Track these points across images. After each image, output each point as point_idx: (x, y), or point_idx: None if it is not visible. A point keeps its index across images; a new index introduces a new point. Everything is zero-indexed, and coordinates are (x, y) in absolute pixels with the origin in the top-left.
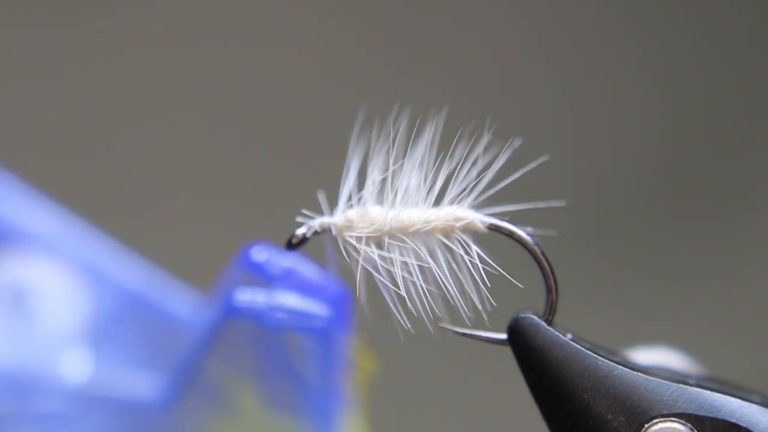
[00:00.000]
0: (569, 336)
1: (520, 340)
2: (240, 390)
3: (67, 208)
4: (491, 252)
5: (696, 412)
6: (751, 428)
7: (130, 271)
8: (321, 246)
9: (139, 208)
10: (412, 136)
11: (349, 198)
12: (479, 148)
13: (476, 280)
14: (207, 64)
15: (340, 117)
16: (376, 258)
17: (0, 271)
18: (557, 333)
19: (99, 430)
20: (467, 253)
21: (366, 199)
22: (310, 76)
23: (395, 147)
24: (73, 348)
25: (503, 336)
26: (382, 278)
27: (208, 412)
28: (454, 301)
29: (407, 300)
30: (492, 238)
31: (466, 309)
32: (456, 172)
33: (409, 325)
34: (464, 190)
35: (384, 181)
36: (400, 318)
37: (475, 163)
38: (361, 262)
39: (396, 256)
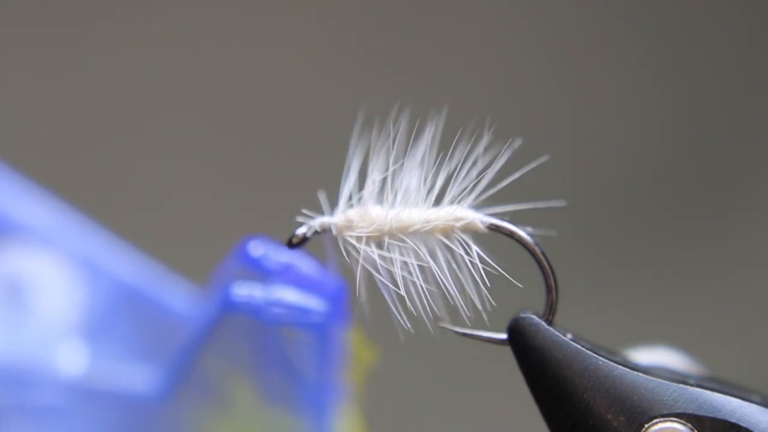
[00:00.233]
0: (569, 336)
1: (520, 340)
2: (236, 384)
3: (64, 202)
4: (491, 252)
5: (696, 412)
6: (751, 428)
7: (126, 265)
8: (321, 246)
9: (139, 207)
10: (412, 136)
11: (350, 198)
12: (479, 148)
13: (476, 280)
14: (207, 64)
15: (340, 117)
16: (376, 258)
17: None
18: (557, 333)
19: (94, 423)
20: (467, 253)
21: (366, 199)
22: (310, 76)
23: (395, 147)
24: (69, 341)
25: (503, 336)
26: (382, 278)
27: (204, 406)
28: (454, 301)
29: (407, 300)
30: (492, 238)
31: (466, 309)
32: (456, 172)
33: (409, 325)
34: (464, 190)
35: (384, 181)
36: (400, 318)
37: (475, 163)
38: (361, 261)
39: (396, 255)
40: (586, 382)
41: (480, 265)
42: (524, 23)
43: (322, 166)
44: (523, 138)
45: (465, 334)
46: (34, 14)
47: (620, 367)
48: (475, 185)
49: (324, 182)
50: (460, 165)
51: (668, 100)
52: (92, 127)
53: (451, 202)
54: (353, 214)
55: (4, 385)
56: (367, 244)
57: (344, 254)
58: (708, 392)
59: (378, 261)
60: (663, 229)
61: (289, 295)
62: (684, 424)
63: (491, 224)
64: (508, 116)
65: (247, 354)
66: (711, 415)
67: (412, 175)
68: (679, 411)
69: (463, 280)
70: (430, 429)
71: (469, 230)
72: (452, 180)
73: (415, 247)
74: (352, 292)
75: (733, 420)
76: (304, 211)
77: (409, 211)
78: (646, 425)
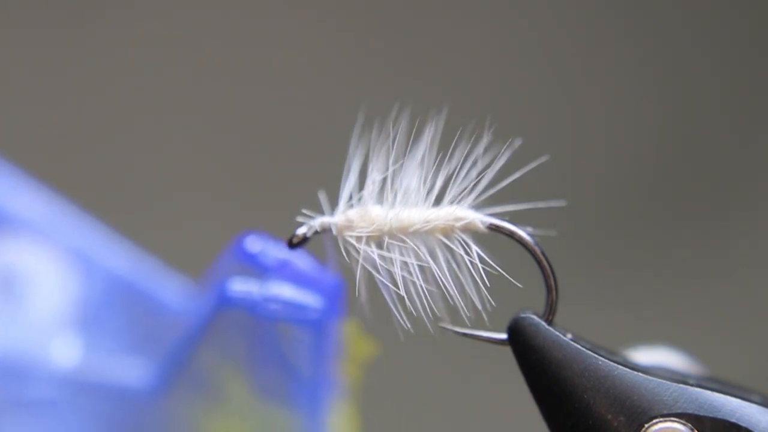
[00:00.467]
0: (569, 336)
1: (520, 340)
2: (230, 379)
3: (59, 196)
4: (491, 252)
5: (696, 412)
6: (751, 428)
7: (121, 259)
8: (321, 245)
9: (138, 207)
10: (412, 136)
11: (350, 198)
12: (479, 148)
13: (476, 280)
14: (207, 64)
15: (340, 117)
16: (376, 258)
17: None
18: (557, 333)
19: (88, 416)
20: (467, 253)
21: (366, 199)
22: (310, 76)
23: (395, 147)
24: (63, 333)
25: (503, 336)
26: (382, 278)
27: (199, 401)
28: (454, 301)
29: (407, 300)
30: (492, 238)
31: (466, 309)
32: (456, 172)
33: (408, 325)
34: (464, 190)
35: (384, 181)
36: (400, 318)
37: (475, 163)
38: (361, 261)
39: (396, 255)
40: (586, 382)
41: (480, 265)
42: (524, 23)
43: (322, 166)
44: (523, 138)
45: (465, 334)
46: (34, 14)
47: (620, 367)
48: (475, 185)
49: (324, 182)
50: (460, 165)
51: (668, 100)
52: (92, 127)
53: (451, 202)
54: (353, 214)
55: None
56: (367, 244)
57: (344, 254)
58: (708, 392)
59: (378, 261)
60: (663, 229)
61: (285, 291)
62: (684, 424)
63: (491, 224)
64: (508, 116)
65: (242, 349)
66: (711, 415)
67: (412, 175)
68: (679, 411)
69: (463, 280)
70: (430, 429)
71: (469, 230)
72: (452, 180)
73: (415, 247)
74: (352, 292)
75: (733, 420)
76: (304, 211)
77: (409, 211)
78: (646, 425)
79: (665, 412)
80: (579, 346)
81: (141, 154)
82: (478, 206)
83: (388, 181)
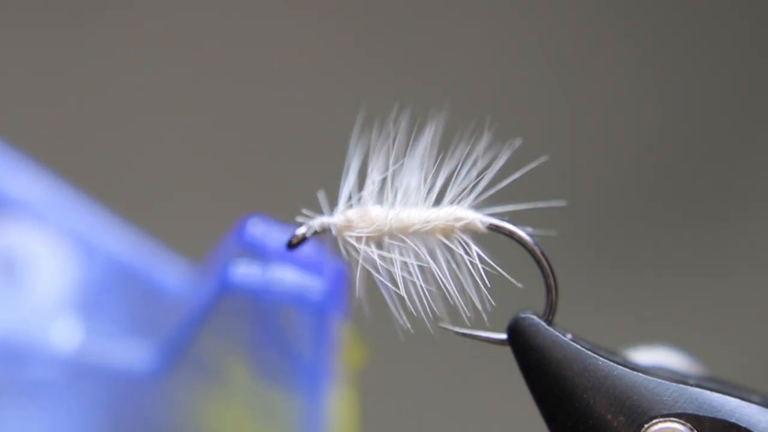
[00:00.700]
0: (569, 336)
1: (520, 340)
2: (231, 362)
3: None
4: (491, 252)
5: (696, 412)
6: (750, 428)
7: (122, 242)
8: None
9: (138, 207)
10: (412, 136)
11: (349, 198)
12: (479, 149)
13: (476, 280)
14: (207, 64)
15: (340, 117)
16: (376, 258)
17: None
18: (557, 333)
19: (88, 399)
20: (467, 253)
21: (366, 199)
22: (310, 76)
23: (395, 147)
24: (63, 316)
25: (503, 336)
26: (381, 278)
27: (200, 384)
28: (454, 301)
29: (407, 300)
30: (492, 238)
31: (466, 309)
32: (456, 172)
33: (408, 325)
34: (464, 190)
35: (384, 181)
36: (399, 318)
37: (475, 163)
38: (360, 262)
39: (396, 256)
40: (586, 382)
41: (480, 265)
42: (524, 23)
43: (322, 166)
44: (523, 138)
45: (465, 334)
46: (34, 14)
47: (620, 367)
48: (475, 185)
49: (324, 182)
50: (459, 165)
51: (668, 100)
52: (92, 127)
53: (451, 202)
54: (353, 214)
55: None
56: (367, 244)
57: (344, 254)
58: (708, 392)
59: (378, 261)
60: (663, 229)
61: (287, 275)
62: (684, 424)
63: (491, 224)
64: (508, 116)
65: (243, 333)
66: (711, 415)
67: (412, 175)
68: (679, 411)
69: (463, 280)
70: (430, 429)
71: (469, 230)
72: (452, 180)
73: (415, 247)
74: (351, 292)
75: (733, 420)
76: (304, 211)
77: (409, 211)
78: (646, 425)
79: (665, 412)
80: (579, 346)
81: (141, 154)
82: (478, 206)
83: (388, 181)
